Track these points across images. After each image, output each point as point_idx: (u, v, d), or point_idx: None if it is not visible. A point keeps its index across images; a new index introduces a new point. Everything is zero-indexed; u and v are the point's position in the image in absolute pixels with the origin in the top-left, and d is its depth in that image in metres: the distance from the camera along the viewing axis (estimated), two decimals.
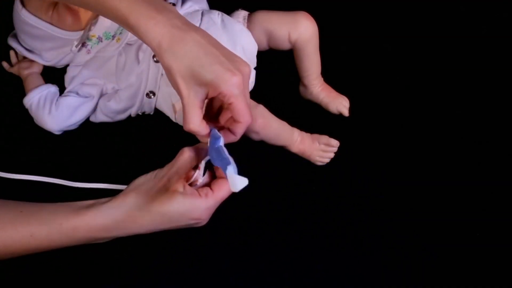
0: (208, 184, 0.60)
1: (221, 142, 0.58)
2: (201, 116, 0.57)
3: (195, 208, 0.57)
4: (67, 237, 0.57)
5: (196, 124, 0.57)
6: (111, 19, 0.59)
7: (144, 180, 0.58)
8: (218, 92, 0.56)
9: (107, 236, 0.58)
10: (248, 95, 0.59)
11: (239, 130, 0.59)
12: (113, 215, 0.56)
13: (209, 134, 0.59)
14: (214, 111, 0.62)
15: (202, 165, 0.60)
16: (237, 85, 0.56)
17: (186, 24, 0.57)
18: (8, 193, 0.74)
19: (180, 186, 0.56)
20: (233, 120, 0.59)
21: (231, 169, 0.53)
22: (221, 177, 0.60)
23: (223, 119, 0.62)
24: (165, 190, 0.56)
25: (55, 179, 0.75)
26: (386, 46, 0.94)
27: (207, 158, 0.60)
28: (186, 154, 0.58)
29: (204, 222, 0.59)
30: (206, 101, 0.59)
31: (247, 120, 0.58)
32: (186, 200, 0.56)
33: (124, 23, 0.57)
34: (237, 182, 0.53)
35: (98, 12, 0.60)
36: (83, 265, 0.70)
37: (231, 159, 0.55)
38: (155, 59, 0.76)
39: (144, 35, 0.56)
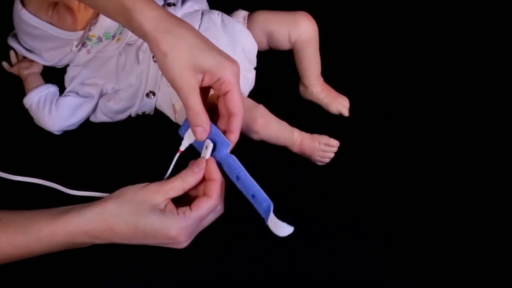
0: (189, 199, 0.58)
1: (229, 149, 0.57)
2: (201, 102, 0.56)
3: (171, 226, 0.55)
4: (46, 243, 0.56)
5: (200, 107, 0.55)
6: (105, 9, 0.58)
7: (128, 190, 0.57)
8: (216, 78, 0.55)
9: (85, 241, 0.57)
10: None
11: (236, 125, 0.58)
12: (90, 220, 0.55)
13: (209, 127, 0.57)
14: None
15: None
16: (236, 74, 0.56)
17: (179, 18, 0.58)
18: (6, 192, 0.74)
19: (162, 202, 0.55)
20: (228, 115, 0.58)
21: (271, 212, 0.51)
22: (204, 195, 0.57)
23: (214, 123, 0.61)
24: (147, 203, 0.55)
25: (49, 183, 0.74)
26: (386, 46, 0.94)
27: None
28: (180, 181, 0.56)
29: (183, 244, 0.57)
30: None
31: (241, 111, 0.57)
32: (163, 217, 0.54)
33: (119, 8, 0.56)
34: (282, 228, 0.51)
35: (92, 2, 0.60)
36: (86, 266, 0.70)
37: (261, 191, 0.54)
38: (155, 59, 0.76)
39: (141, 16, 0.55)
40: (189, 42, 0.55)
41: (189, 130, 0.59)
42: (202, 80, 0.56)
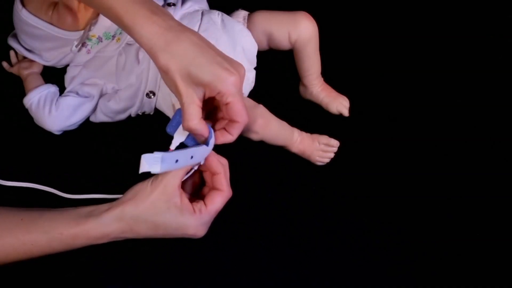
0: (200, 191, 0.61)
1: (211, 140, 0.59)
2: (201, 114, 0.57)
3: (189, 225, 0.58)
4: (67, 244, 0.58)
5: (196, 121, 0.57)
6: (107, 17, 0.59)
7: (141, 188, 0.59)
8: (216, 91, 0.56)
9: (106, 241, 0.60)
10: (243, 96, 0.59)
11: (236, 130, 0.60)
12: (112, 225, 0.58)
13: (208, 133, 0.59)
14: (206, 113, 0.62)
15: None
16: (235, 84, 0.56)
17: (181, 25, 0.58)
18: (8, 189, 0.74)
19: (177, 198, 0.57)
20: (230, 120, 0.59)
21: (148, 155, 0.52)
22: (214, 189, 0.60)
23: (217, 120, 0.62)
24: (162, 199, 0.57)
25: (49, 188, 0.74)
26: (386, 46, 0.94)
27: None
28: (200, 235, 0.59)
29: (201, 235, 0.60)
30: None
31: (244, 120, 0.59)
32: (181, 216, 0.57)
33: (119, 23, 0.57)
34: (144, 164, 0.52)
35: (96, 8, 0.61)
36: (86, 266, 0.70)
37: (175, 152, 0.55)
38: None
39: (139, 35, 0.56)
40: (187, 59, 0.55)
41: (179, 129, 0.60)
42: (205, 93, 0.57)
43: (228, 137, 0.60)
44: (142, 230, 0.58)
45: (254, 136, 0.76)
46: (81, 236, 0.58)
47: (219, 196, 0.59)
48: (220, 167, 0.59)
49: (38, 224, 0.58)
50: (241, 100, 0.57)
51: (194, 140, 0.60)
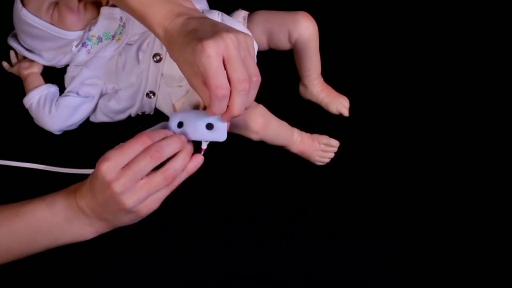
0: None
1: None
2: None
3: (100, 162, 0.57)
4: (26, 223, 0.59)
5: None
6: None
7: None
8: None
9: (70, 216, 0.59)
10: (237, 63, 0.53)
11: (213, 103, 0.54)
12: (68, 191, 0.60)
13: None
14: None
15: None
16: (202, 62, 0.52)
17: (183, 12, 0.57)
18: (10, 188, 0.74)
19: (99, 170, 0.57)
20: None
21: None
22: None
23: None
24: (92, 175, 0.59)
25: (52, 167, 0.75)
26: (386, 46, 0.94)
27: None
28: (104, 167, 0.57)
29: (123, 198, 0.56)
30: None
31: (213, 84, 0.52)
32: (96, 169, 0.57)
33: (139, 17, 0.59)
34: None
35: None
36: (86, 266, 0.70)
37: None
38: (155, 59, 0.76)
39: (152, 30, 0.58)
40: (178, 50, 0.55)
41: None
42: None
43: (210, 111, 0.55)
44: (88, 200, 0.59)
45: (254, 136, 0.76)
46: (39, 208, 0.59)
47: (138, 140, 0.59)
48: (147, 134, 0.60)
49: (5, 207, 0.60)
50: (210, 76, 0.52)
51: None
